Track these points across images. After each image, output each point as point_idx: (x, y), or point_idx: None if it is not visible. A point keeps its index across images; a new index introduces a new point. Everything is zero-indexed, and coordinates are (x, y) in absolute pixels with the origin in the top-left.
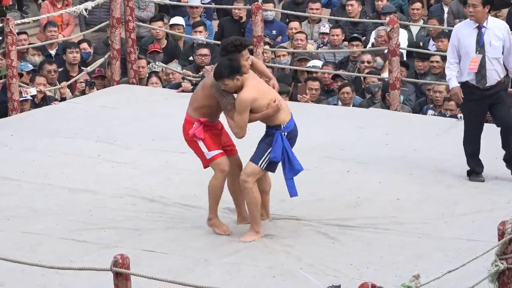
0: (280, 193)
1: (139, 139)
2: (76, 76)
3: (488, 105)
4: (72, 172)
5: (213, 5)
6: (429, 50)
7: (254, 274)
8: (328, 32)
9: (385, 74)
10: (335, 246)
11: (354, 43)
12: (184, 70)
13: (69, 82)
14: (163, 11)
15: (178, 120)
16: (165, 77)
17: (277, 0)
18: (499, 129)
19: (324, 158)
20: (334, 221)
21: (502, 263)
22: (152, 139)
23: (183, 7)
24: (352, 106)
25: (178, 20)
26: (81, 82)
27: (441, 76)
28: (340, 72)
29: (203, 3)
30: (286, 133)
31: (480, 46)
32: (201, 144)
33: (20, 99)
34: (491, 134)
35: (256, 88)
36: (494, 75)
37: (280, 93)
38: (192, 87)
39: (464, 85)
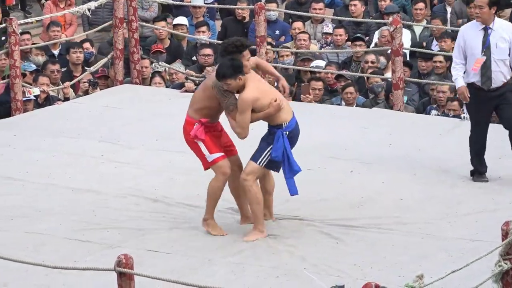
0: (284, 193)
1: (142, 139)
2: (79, 76)
3: (494, 106)
4: (75, 172)
5: (216, 5)
6: (432, 50)
7: (258, 274)
8: (331, 32)
9: (388, 74)
10: (339, 246)
11: (357, 43)
12: (187, 70)
13: (72, 82)
14: (167, 11)
15: (181, 120)
16: (168, 77)
17: (280, 0)
18: (502, 128)
19: (327, 158)
20: (338, 221)
21: (506, 263)
22: (156, 139)
23: (186, 7)
24: (356, 106)
25: (181, 20)
26: (84, 82)
27: (444, 76)
28: (343, 72)
29: (206, 3)
30: (287, 132)
31: (485, 47)
32: (202, 146)
33: (23, 99)
34: (494, 134)
35: (258, 88)
36: (500, 76)
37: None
38: (195, 87)
39: (470, 86)
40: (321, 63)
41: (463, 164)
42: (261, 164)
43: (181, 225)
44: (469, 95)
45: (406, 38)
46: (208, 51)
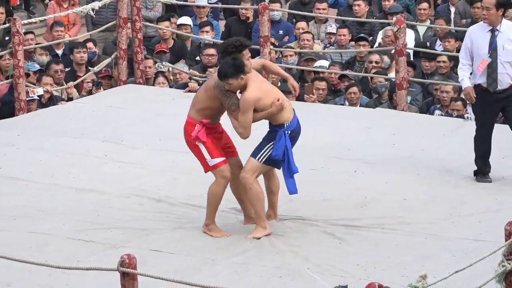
0: (287, 193)
1: (146, 139)
2: (83, 76)
3: (501, 108)
4: (79, 172)
5: (220, 5)
6: (436, 50)
7: (261, 274)
8: (335, 32)
9: (392, 74)
10: (342, 246)
11: (361, 43)
12: (191, 70)
13: (76, 82)
14: (170, 11)
15: (185, 120)
16: (172, 77)
17: (284, 0)
18: (506, 129)
19: (331, 158)
20: (341, 221)
21: (509, 264)
22: (159, 139)
23: (189, 7)
24: (359, 106)
25: (185, 20)
26: (88, 82)
27: (448, 76)
28: (347, 72)
29: (210, 3)
30: (289, 132)
31: (492, 49)
32: (203, 149)
33: (27, 99)
34: (498, 134)
35: (260, 88)
36: (506, 78)
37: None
38: (198, 87)
39: (477, 87)
40: (325, 63)
41: (466, 164)
42: (260, 160)
43: (184, 225)
44: (475, 96)
45: (409, 38)
46: (211, 51)
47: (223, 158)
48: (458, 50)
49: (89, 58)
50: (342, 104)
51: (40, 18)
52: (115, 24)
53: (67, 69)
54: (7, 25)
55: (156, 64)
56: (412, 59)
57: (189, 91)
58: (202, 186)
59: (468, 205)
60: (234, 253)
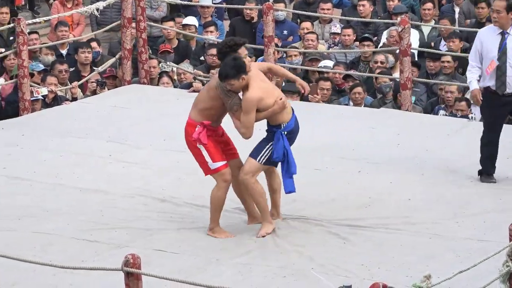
0: (291, 193)
1: (150, 139)
2: (87, 76)
3: (509, 111)
4: (83, 172)
5: (224, 5)
6: (440, 50)
7: (265, 274)
8: (339, 32)
9: (396, 74)
10: (346, 246)
11: (366, 43)
12: (195, 70)
13: (80, 82)
14: (175, 11)
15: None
16: (176, 77)
17: (288, 0)
18: (511, 129)
19: (335, 158)
20: (345, 221)
21: None
22: (163, 139)
23: (194, 6)
24: (363, 106)
25: (190, 20)
26: (92, 82)
27: (453, 76)
28: (351, 72)
29: (214, 3)
30: (285, 133)
31: (501, 51)
32: (204, 152)
33: (31, 99)
34: (503, 134)
35: (261, 88)
36: None
37: (292, 93)
38: (203, 87)
39: (486, 90)
40: (329, 63)
41: (471, 164)
42: (260, 161)
43: (188, 225)
44: (481, 98)
45: (414, 38)
46: (216, 51)
47: (225, 162)
48: (462, 50)
49: (93, 57)
50: (347, 104)
51: (45, 18)
52: (120, 24)
53: (71, 69)
54: (12, 25)
55: (161, 64)
56: (416, 59)
57: (194, 91)
58: (207, 186)
59: (472, 205)
60: (238, 253)
